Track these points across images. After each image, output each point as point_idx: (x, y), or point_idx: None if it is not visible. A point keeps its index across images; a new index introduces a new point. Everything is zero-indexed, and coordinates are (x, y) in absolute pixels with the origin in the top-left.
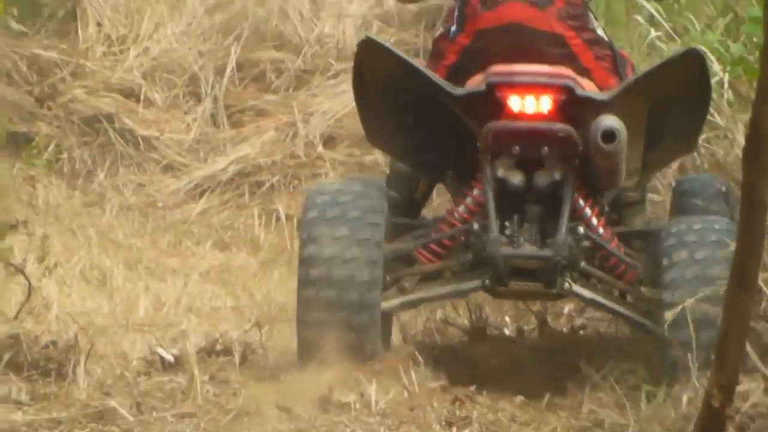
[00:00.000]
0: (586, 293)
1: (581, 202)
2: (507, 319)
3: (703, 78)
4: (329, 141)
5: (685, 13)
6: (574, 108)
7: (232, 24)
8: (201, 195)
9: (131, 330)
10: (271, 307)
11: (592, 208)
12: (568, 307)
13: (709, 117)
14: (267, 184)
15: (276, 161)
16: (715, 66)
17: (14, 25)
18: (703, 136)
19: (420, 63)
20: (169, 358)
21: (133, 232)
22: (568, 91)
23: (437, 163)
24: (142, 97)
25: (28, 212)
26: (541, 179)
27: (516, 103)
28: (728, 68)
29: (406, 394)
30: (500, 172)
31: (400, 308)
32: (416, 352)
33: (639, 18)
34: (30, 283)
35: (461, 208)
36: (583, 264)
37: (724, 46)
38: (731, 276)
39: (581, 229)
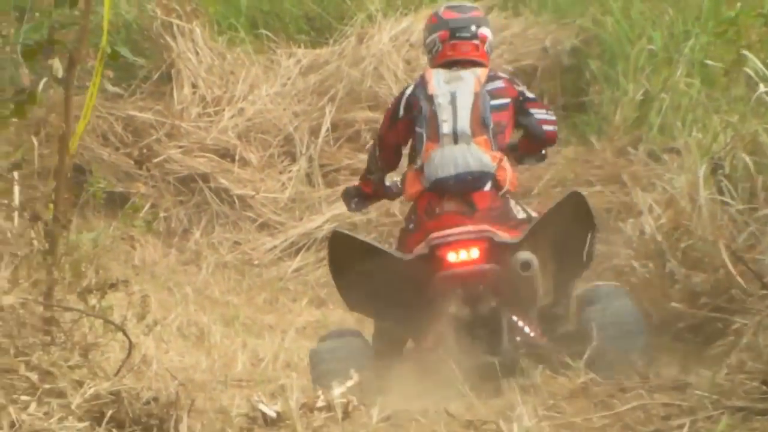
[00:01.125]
0: (528, 382)
1: (514, 317)
2: None
3: (587, 212)
4: None
5: None
6: (495, 251)
7: (326, 85)
8: (297, 253)
9: (230, 386)
10: None
11: (524, 320)
12: None
13: None
14: None
15: (371, 219)
16: None
17: (110, 88)
18: None
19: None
20: (272, 413)
21: (230, 290)
22: (490, 240)
23: (404, 319)
24: (237, 157)
25: (127, 271)
26: (483, 308)
27: (453, 256)
28: None
29: None
30: (452, 309)
31: None
32: None
33: (748, 70)
34: (130, 341)
35: (426, 344)
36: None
37: None
38: None
39: (518, 338)
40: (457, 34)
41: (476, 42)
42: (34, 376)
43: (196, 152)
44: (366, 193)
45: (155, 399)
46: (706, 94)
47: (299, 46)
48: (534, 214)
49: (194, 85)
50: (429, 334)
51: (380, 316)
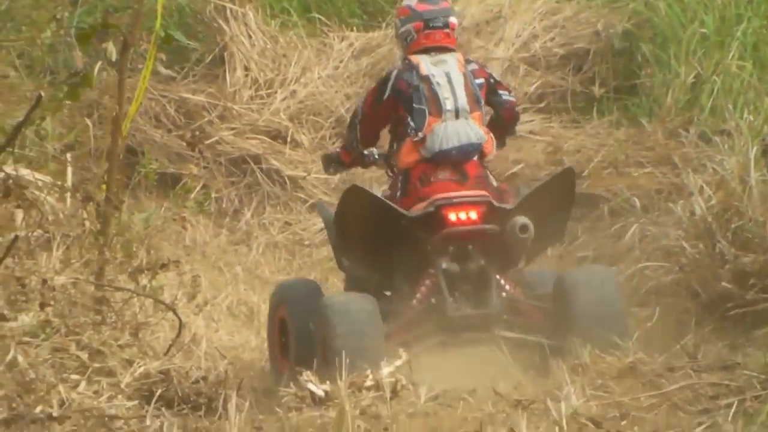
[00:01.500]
0: (510, 334)
1: (497, 276)
2: None
3: (570, 187)
4: None
5: None
6: (492, 214)
7: (378, 67)
8: None
9: None
10: None
11: (505, 279)
12: None
13: None
14: None
15: None
16: None
17: (163, 70)
18: None
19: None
20: (320, 393)
21: (280, 270)
22: (489, 204)
23: (396, 272)
24: (288, 139)
25: (178, 251)
26: (472, 266)
27: (454, 216)
28: None
29: (557, 429)
30: (444, 265)
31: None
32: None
33: None
34: (180, 320)
35: (418, 295)
36: (505, 316)
37: None
38: None
39: (504, 294)
40: (431, 24)
41: (447, 30)
42: (84, 355)
43: (248, 134)
44: (344, 161)
45: (204, 378)
46: (758, 77)
47: (351, 30)
48: (495, 183)
49: (247, 68)
50: (421, 287)
51: (374, 268)
